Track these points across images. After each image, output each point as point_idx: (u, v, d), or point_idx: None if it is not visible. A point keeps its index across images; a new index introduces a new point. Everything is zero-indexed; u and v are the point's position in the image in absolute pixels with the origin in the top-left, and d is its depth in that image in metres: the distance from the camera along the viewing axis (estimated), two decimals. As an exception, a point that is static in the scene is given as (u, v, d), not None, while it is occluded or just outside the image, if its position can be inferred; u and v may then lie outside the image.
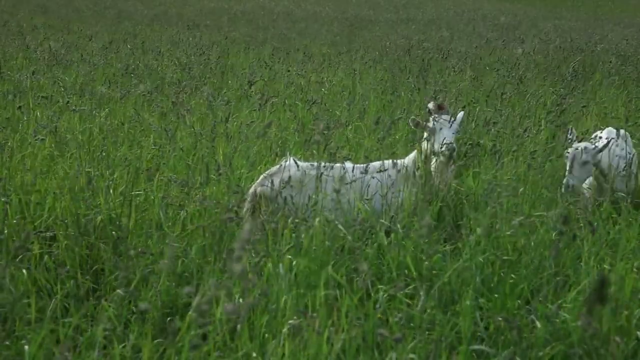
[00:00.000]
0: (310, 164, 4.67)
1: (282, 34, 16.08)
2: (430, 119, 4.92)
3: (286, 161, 4.72)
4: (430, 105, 4.98)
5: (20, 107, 6.94)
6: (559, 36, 16.83)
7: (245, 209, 4.61)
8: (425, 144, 4.87)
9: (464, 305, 3.40)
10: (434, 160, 4.83)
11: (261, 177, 4.74)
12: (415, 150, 4.93)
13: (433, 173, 4.79)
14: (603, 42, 15.69)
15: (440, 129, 4.84)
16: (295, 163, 4.65)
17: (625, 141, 5.38)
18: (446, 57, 11.37)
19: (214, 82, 9.24)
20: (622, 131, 5.44)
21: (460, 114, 5.00)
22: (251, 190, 4.67)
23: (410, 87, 8.72)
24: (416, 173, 4.76)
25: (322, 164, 4.51)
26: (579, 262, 4.01)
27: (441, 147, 4.77)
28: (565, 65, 11.16)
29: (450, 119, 4.87)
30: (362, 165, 4.84)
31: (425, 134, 4.89)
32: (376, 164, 4.86)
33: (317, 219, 3.95)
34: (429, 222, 3.52)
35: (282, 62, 11.20)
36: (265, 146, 6.07)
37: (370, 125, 6.86)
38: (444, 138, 4.78)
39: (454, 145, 4.81)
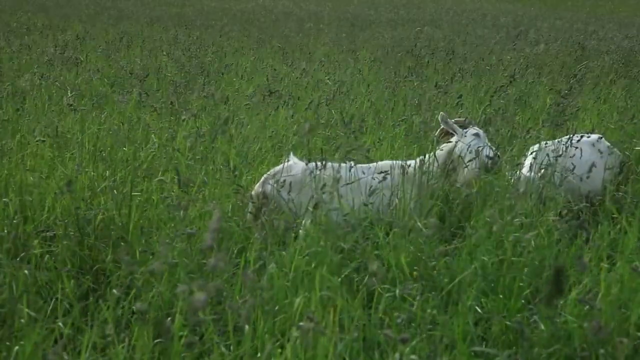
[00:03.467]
0: (314, 164, 4.66)
1: (283, 34, 16.07)
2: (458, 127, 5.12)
3: (288, 161, 4.72)
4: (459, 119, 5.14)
5: (20, 107, 6.94)
6: (560, 36, 16.82)
7: (248, 210, 4.61)
8: (451, 148, 5.04)
9: (464, 305, 3.40)
10: (464, 169, 4.96)
11: (263, 176, 4.74)
12: (421, 156, 4.93)
13: (460, 178, 4.95)
14: (605, 41, 15.68)
15: (475, 141, 5.05)
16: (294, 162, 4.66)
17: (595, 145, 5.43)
18: (450, 59, 11.36)
19: (215, 82, 9.23)
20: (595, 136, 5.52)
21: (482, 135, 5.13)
22: (254, 191, 4.67)
23: (413, 88, 8.71)
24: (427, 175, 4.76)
25: (325, 163, 4.51)
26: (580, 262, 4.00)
27: (487, 159, 4.96)
28: (567, 66, 11.16)
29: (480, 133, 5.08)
30: (368, 165, 4.83)
31: (453, 139, 5.06)
32: (381, 164, 4.86)
33: (315, 220, 3.95)
34: (435, 223, 3.51)
35: (283, 62, 11.20)
36: (267, 146, 6.08)
37: (373, 125, 6.86)
38: (485, 149, 5.01)
39: (497, 157, 5.01)
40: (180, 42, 13.40)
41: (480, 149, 5.00)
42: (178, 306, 3.15)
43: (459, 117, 5.38)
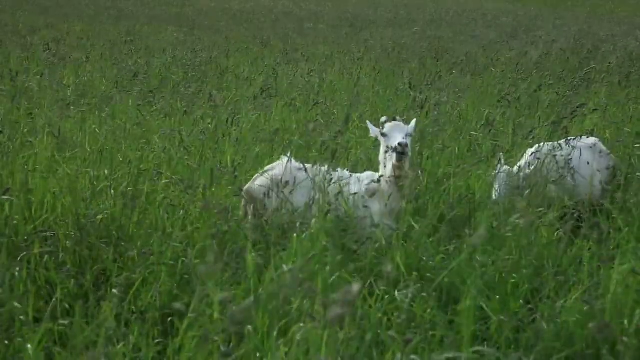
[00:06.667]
0: (305, 166, 4.64)
1: (283, 34, 16.07)
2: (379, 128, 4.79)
3: (280, 161, 4.76)
4: (383, 119, 4.83)
5: (21, 108, 6.93)
6: (561, 37, 16.81)
7: (242, 210, 4.63)
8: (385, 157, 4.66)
9: (464, 305, 3.40)
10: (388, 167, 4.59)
11: (255, 176, 4.77)
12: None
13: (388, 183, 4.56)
14: (606, 41, 15.66)
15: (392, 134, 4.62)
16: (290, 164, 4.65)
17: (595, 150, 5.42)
18: (454, 62, 11.35)
19: (215, 83, 9.23)
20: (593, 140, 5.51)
21: (413, 121, 4.82)
22: (245, 188, 4.69)
23: (411, 88, 8.70)
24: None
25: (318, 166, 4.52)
26: (579, 262, 4.01)
27: (392, 147, 4.52)
28: (569, 66, 11.14)
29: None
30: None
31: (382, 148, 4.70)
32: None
33: (315, 220, 3.96)
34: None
35: (283, 62, 11.19)
36: (266, 146, 6.07)
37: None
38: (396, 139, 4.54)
39: (405, 141, 4.53)
40: (181, 42, 13.40)
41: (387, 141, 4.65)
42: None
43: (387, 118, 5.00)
